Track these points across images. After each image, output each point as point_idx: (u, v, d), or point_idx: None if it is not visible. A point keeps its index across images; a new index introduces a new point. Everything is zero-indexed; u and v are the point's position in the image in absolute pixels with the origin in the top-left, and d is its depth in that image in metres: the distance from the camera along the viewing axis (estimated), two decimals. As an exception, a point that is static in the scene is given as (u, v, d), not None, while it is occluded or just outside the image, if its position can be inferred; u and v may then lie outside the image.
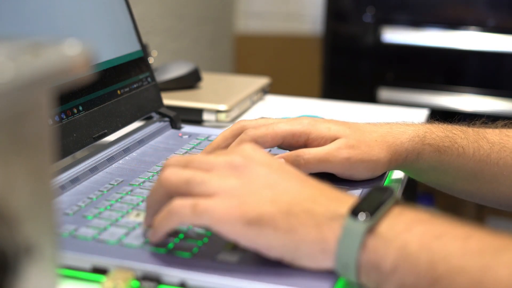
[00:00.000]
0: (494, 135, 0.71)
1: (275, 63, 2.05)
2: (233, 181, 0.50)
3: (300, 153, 0.67)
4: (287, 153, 0.68)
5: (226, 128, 0.94)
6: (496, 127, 0.73)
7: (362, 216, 0.47)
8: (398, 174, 0.77)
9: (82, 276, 0.52)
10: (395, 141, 0.68)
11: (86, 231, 0.56)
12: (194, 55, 1.67)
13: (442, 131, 0.70)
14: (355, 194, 0.66)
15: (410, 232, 0.47)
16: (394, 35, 1.66)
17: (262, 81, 1.12)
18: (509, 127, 0.73)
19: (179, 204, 0.50)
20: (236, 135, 0.69)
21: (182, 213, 0.50)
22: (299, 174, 0.53)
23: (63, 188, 0.65)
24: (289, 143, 0.68)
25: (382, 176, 0.71)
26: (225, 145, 0.69)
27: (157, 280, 0.50)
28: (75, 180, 0.66)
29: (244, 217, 0.49)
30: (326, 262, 0.49)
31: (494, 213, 1.83)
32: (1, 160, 0.35)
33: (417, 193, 1.16)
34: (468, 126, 0.72)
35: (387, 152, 0.68)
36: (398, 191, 0.73)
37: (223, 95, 1.02)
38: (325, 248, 0.48)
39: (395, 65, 1.69)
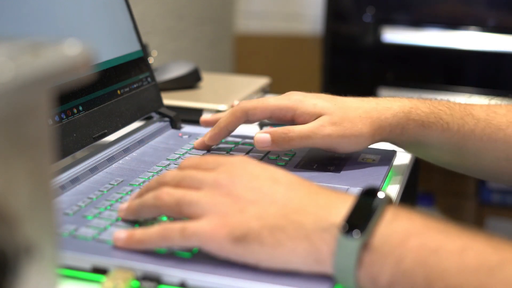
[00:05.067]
0: (481, 111, 0.73)
1: (275, 63, 2.05)
2: (220, 200, 0.51)
3: (285, 130, 0.71)
4: (275, 129, 0.72)
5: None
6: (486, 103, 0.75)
7: (355, 233, 0.47)
8: (397, 175, 0.77)
9: (82, 276, 0.52)
10: (380, 116, 0.71)
11: (86, 231, 0.56)
12: (194, 55, 1.67)
13: (428, 107, 0.72)
14: (351, 192, 0.66)
15: (405, 246, 0.46)
16: (394, 35, 1.65)
17: (262, 81, 1.12)
18: (498, 103, 0.75)
19: (169, 228, 0.51)
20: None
21: (171, 237, 0.51)
22: (288, 180, 0.53)
23: (63, 188, 0.65)
24: (277, 117, 0.73)
25: (380, 177, 0.71)
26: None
27: (157, 280, 0.50)
28: (75, 180, 0.66)
29: (230, 235, 0.50)
30: (322, 269, 0.49)
31: (494, 213, 1.83)
32: (1, 160, 0.35)
33: (417, 193, 1.16)
34: (456, 102, 0.74)
35: (370, 127, 0.71)
36: (398, 192, 0.73)
37: (223, 95, 1.02)
38: (320, 259, 0.48)
39: (395, 65, 1.69)
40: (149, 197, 0.55)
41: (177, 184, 0.54)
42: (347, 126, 0.70)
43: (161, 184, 0.55)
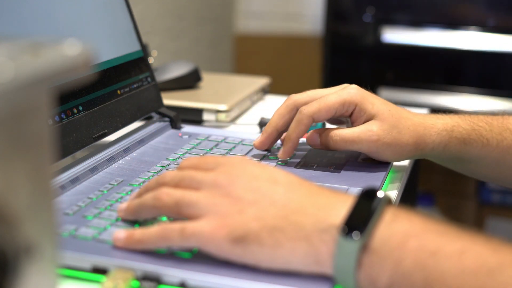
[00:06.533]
0: None
1: (275, 63, 2.05)
2: (219, 201, 0.51)
3: (332, 134, 0.72)
4: (324, 130, 0.73)
5: (227, 127, 0.94)
6: None
7: (355, 234, 0.47)
8: (397, 175, 0.77)
9: (82, 276, 0.52)
10: (425, 132, 0.72)
11: (86, 231, 0.56)
12: (194, 55, 1.67)
13: (469, 124, 0.74)
14: (351, 192, 0.66)
15: (405, 248, 0.46)
16: (394, 35, 1.65)
17: (262, 81, 1.12)
18: None
19: (168, 228, 0.51)
20: (290, 111, 0.73)
21: (170, 237, 0.51)
22: (288, 181, 0.53)
23: (63, 188, 0.64)
24: (340, 113, 0.72)
25: (380, 177, 0.71)
26: (283, 122, 0.74)
27: (157, 280, 0.50)
28: (75, 180, 0.66)
29: (229, 236, 0.49)
30: (322, 270, 0.49)
31: (494, 213, 1.83)
32: (1, 160, 0.35)
33: (417, 193, 1.16)
34: (493, 116, 0.76)
35: (416, 141, 0.72)
36: (398, 192, 0.73)
37: (223, 95, 1.02)
38: (319, 259, 0.48)
39: (395, 65, 1.69)
40: (148, 197, 0.55)
41: (177, 184, 0.54)
42: (395, 136, 0.71)
43: (161, 184, 0.55)
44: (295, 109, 0.73)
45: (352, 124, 0.73)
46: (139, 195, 0.57)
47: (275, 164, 0.74)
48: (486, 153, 0.74)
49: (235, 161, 0.55)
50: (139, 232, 0.53)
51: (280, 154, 0.74)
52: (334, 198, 0.51)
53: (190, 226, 0.51)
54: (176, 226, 0.51)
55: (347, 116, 0.73)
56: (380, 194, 0.50)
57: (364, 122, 0.72)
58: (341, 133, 0.72)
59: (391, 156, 0.73)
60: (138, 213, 0.56)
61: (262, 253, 0.49)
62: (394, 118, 0.71)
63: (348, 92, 0.72)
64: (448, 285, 0.44)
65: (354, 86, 0.73)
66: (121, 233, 0.53)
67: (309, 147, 0.79)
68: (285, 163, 0.75)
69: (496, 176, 0.78)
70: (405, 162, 0.81)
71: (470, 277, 0.44)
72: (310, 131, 0.74)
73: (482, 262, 0.44)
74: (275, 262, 0.49)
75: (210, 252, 0.50)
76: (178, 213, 0.53)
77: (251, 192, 0.51)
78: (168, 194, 0.53)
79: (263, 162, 0.74)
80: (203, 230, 0.50)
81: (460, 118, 0.74)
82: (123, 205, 0.58)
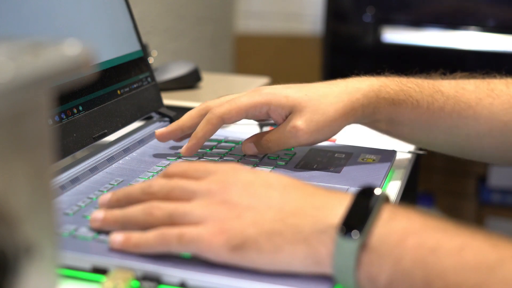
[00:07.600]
0: (450, 88, 0.74)
1: (275, 63, 2.05)
2: (215, 208, 0.50)
3: (264, 141, 0.72)
4: (258, 138, 0.73)
5: (227, 127, 0.94)
6: (454, 78, 0.75)
7: (354, 234, 0.46)
8: (397, 175, 0.77)
9: (82, 276, 0.52)
10: (351, 98, 0.71)
11: (86, 231, 0.56)
12: (194, 55, 1.67)
13: (397, 85, 0.73)
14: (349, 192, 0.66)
15: (404, 245, 0.46)
16: (394, 35, 1.65)
17: (262, 81, 1.12)
18: (466, 78, 0.76)
19: (166, 233, 0.50)
20: (202, 115, 0.73)
21: (168, 243, 0.50)
22: (282, 184, 0.52)
23: (63, 188, 0.64)
24: (253, 115, 0.72)
25: (380, 177, 0.71)
26: (191, 124, 0.73)
27: (157, 280, 0.50)
28: (75, 180, 0.66)
29: (228, 243, 0.49)
30: (322, 271, 0.49)
31: (494, 213, 1.83)
32: (1, 160, 0.35)
33: (417, 193, 1.16)
34: (425, 78, 0.76)
35: (343, 111, 0.70)
36: (398, 192, 0.73)
37: (223, 95, 1.02)
38: (319, 260, 0.48)
39: (395, 65, 1.68)
40: (137, 212, 0.53)
41: (166, 195, 0.53)
42: (319, 119, 0.70)
43: (147, 194, 0.53)
44: (206, 113, 0.72)
45: (276, 123, 0.73)
46: (117, 201, 0.55)
47: (273, 167, 0.74)
48: (417, 115, 0.72)
49: (227, 168, 0.54)
50: (136, 236, 0.51)
51: (182, 150, 0.73)
52: (331, 198, 0.51)
53: (188, 232, 0.50)
54: (174, 231, 0.50)
55: (264, 118, 0.73)
56: (377, 191, 0.49)
57: (286, 118, 0.71)
58: (270, 138, 0.72)
59: (325, 136, 0.72)
60: (124, 227, 0.53)
61: (261, 259, 0.49)
62: (313, 102, 0.70)
63: (259, 94, 0.71)
64: (448, 282, 0.44)
65: (265, 86, 0.73)
66: (118, 236, 0.52)
67: (310, 147, 0.79)
68: (285, 163, 0.75)
69: (431, 141, 0.77)
70: (405, 162, 0.81)
71: (470, 273, 0.44)
72: (243, 141, 0.74)
73: (482, 258, 0.44)
74: (274, 266, 0.49)
75: (208, 259, 0.50)
76: (173, 224, 0.51)
77: (247, 197, 0.51)
78: (160, 209, 0.52)
79: (259, 168, 0.74)
80: (201, 237, 0.49)
81: (388, 79, 0.73)
82: (98, 215, 0.55)
